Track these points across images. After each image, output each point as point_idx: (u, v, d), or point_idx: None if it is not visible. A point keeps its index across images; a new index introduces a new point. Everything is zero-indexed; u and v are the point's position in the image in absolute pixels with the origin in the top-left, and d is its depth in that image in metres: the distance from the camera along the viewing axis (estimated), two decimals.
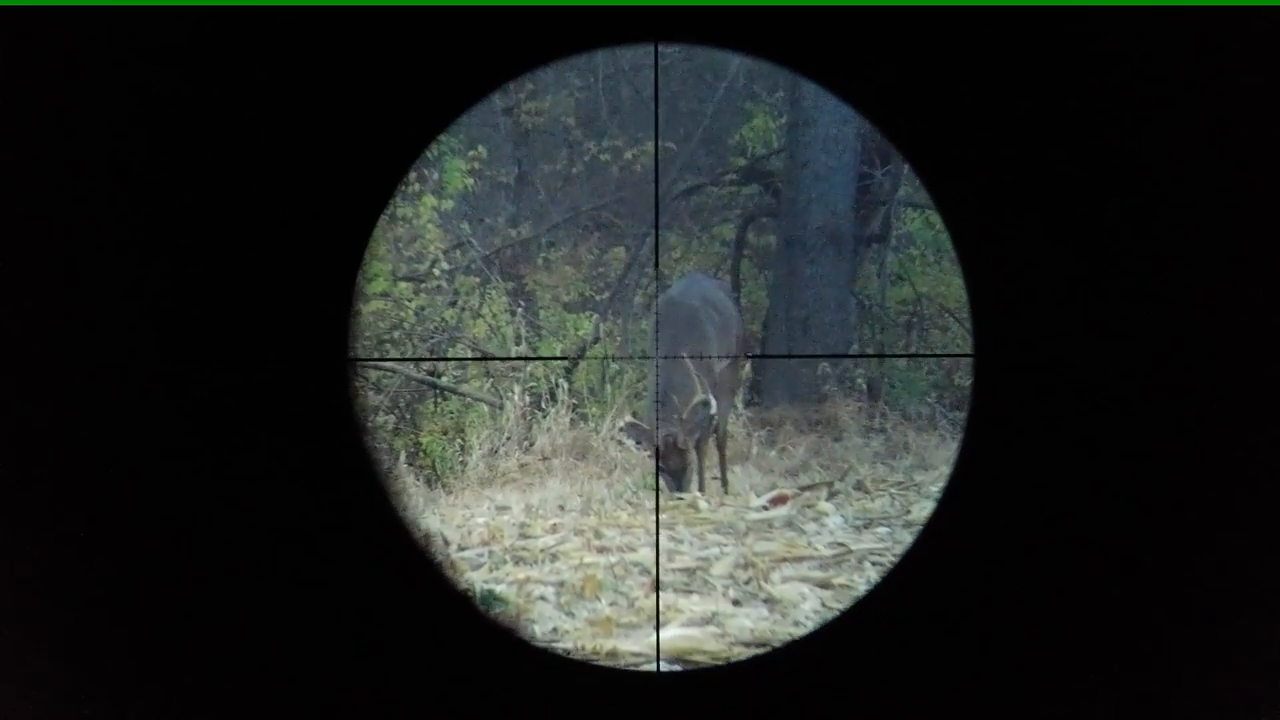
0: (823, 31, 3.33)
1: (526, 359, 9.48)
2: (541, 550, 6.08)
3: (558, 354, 9.87)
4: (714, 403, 7.64)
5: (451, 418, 9.11)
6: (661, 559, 5.80)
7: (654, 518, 6.77)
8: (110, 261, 3.18)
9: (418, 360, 9.35)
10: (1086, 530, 3.28)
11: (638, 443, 7.81)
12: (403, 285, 9.37)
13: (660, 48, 8.89)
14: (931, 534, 3.68)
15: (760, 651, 4.44)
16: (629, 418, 8.03)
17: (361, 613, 3.40)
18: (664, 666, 4.44)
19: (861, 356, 9.98)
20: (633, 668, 4.39)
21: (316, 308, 3.41)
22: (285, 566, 3.37)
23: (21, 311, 3.06)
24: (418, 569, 3.73)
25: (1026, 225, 3.31)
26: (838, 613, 4.43)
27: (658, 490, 7.32)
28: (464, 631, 3.69)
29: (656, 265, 8.64)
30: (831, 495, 7.50)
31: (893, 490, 7.63)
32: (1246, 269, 3.07)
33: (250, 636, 3.32)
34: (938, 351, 10.22)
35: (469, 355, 9.69)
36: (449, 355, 9.67)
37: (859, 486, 7.76)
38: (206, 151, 3.22)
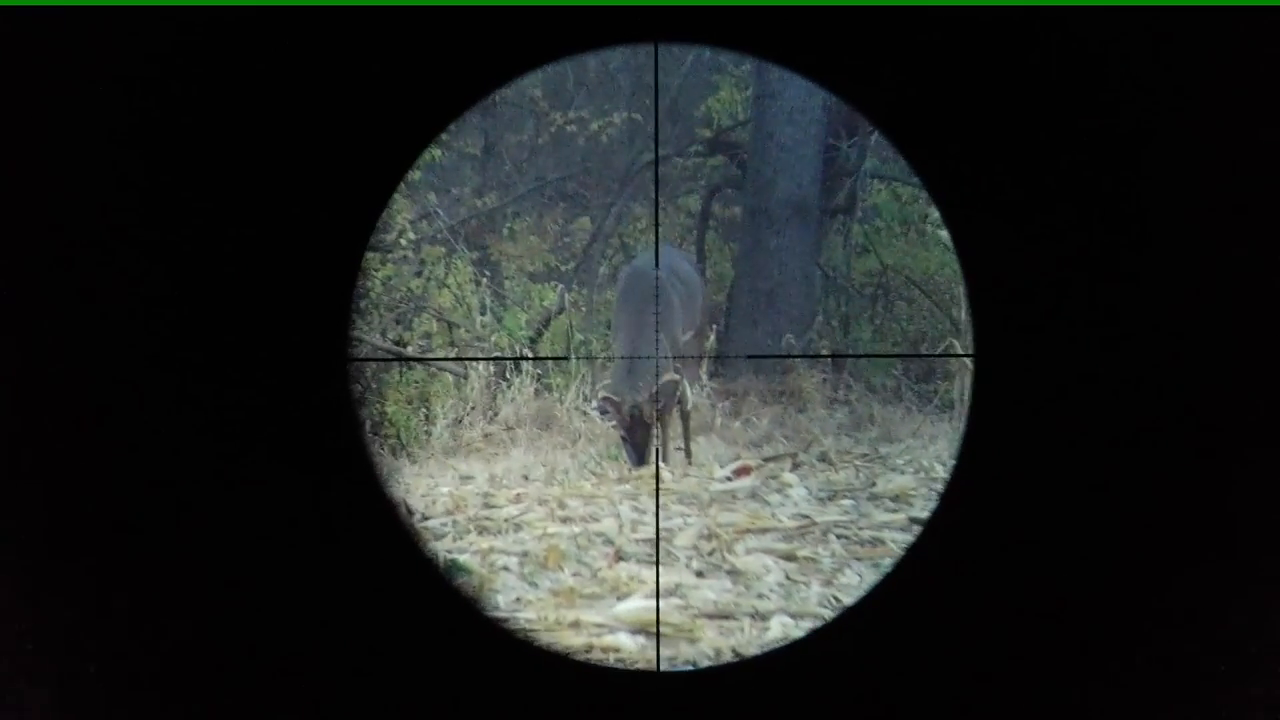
0: (825, 32, 3.33)
1: (548, 358, 9.47)
2: (505, 520, 6.09)
3: (523, 324, 9.87)
4: (686, 383, 7.64)
5: (416, 387, 9.12)
6: (625, 530, 5.82)
7: (628, 488, 6.79)
8: (109, 262, 3.17)
9: (419, 360, 9.34)
10: (1087, 530, 3.30)
11: (603, 413, 7.80)
12: (369, 256, 9.34)
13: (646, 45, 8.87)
14: (932, 533, 3.69)
15: (759, 651, 4.45)
16: (603, 393, 8.01)
17: (362, 615, 3.41)
18: (626, 638, 4.46)
19: (859, 356, 9.99)
20: (632, 667, 4.40)
21: (316, 307, 3.41)
22: (284, 566, 3.37)
23: (19, 310, 3.05)
24: (418, 569, 3.74)
25: (1028, 225, 3.32)
26: (837, 612, 4.45)
27: (657, 463, 7.33)
28: (465, 632, 3.69)
29: (657, 246, 8.64)
30: (795, 467, 7.52)
31: (857, 462, 7.65)
32: (1249, 266, 3.09)
33: (248, 636, 3.32)
34: (907, 331, 10.24)
35: (479, 355, 9.67)
36: (460, 355, 9.67)
37: (823, 458, 7.77)
38: (205, 153, 3.21)
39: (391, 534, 3.64)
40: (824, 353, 9.75)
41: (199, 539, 3.28)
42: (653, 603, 4.73)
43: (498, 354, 9.32)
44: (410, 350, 9.39)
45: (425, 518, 6.26)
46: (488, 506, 6.47)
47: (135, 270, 3.19)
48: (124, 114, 3.12)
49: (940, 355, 9.78)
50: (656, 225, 7.71)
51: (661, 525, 5.87)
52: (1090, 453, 3.30)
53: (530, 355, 9.33)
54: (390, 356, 9.07)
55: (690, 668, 4.34)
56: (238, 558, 3.31)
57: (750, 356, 9.72)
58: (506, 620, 4.69)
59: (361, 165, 3.40)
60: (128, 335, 3.21)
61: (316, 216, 3.35)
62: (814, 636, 4.16)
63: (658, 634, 4.55)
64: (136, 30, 3.02)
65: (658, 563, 5.33)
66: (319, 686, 3.37)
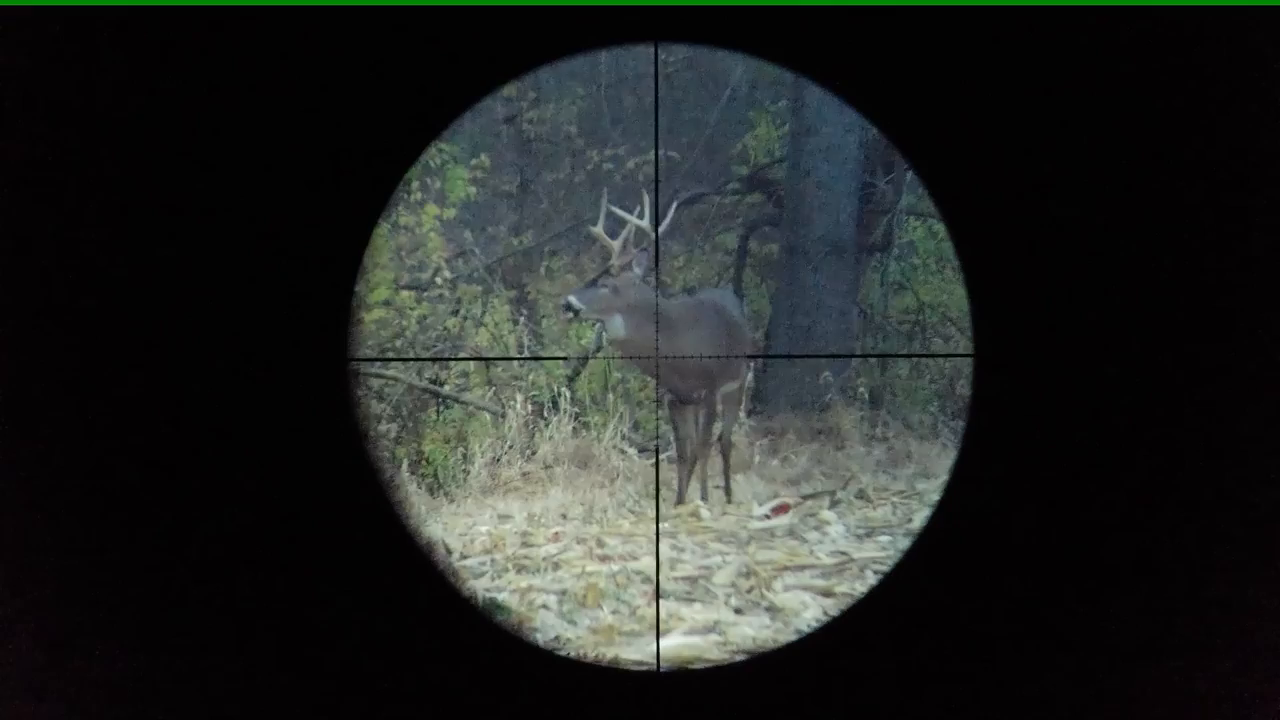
0: (824, 32, 3.33)
1: (577, 359, 9.47)
2: (544, 559, 6.08)
3: (560, 364, 9.85)
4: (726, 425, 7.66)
5: (454, 426, 9.10)
6: (663, 568, 5.80)
7: (667, 526, 6.77)
8: (111, 264, 3.18)
9: (417, 360, 9.34)
10: (1084, 534, 3.28)
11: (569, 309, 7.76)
12: (405, 294, 9.36)
13: (662, 55, 8.87)
14: (931, 535, 3.68)
15: (760, 652, 4.44)
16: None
17: (362, 613, 3.40)
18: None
19: (857, 356, 9.96)
20: (634, 668, 4.39)
21: (317, 311, 3.41)
22: (285, 567, 3.37)
23: (22, 312, 3.06)
24: (418, 570, 3.73)
25: (1027, 227, 3.31)
26: (839, 613, 4.43)
27: (658, 504, 7.30)
28: (464, 632, 3.69)
29: (657, 264, 8.63)
30: (834, 504, 7.51)
31: (895, 499, 7.64)
32: (1248, 272, 3.08)
33: (249, 635, 3.32)
34: (944, 367, 10.20)
35: (465, 357, 9.68)
36: (444, 357, 9.67)
37: (861, 495, 7.76)
38: (207, 155, 3.22)
39: (390, 530, 3.65)
40: (859, 380, 9.73)
41: (197, 538, 3.28)
42: (694, 639, 4.72)
43: (525, 385, 9.31)
44: (447, 389, 9.39)
45: (464, 556, 6.25)
46: (526, 545, 6.47)
47: (135, 271, 3.20)
48: (123, 115, 3.13)
49: (939, 355, 9.76)
50: (656, 224, 7.69)
51: (700, 563, 5.87)
52: (1090, 453, 3.29)
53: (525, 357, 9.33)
54: (383, 359, 9.07)
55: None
56: (236, 554, 3.31)
57: (810, 356, 9.72)
58: (505, 622, 4.69)
59: (363, 164, 3.41)
60: (127, 335, 3.22)
61: (317, 216, 3.36)
62: (813, 637, 4.15)
63: (658, 633, 4.55)
64: (137, 33, 3.04)
65: (658, 576, 5.32)
66: (311, 680, 3.36)
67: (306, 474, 3.46)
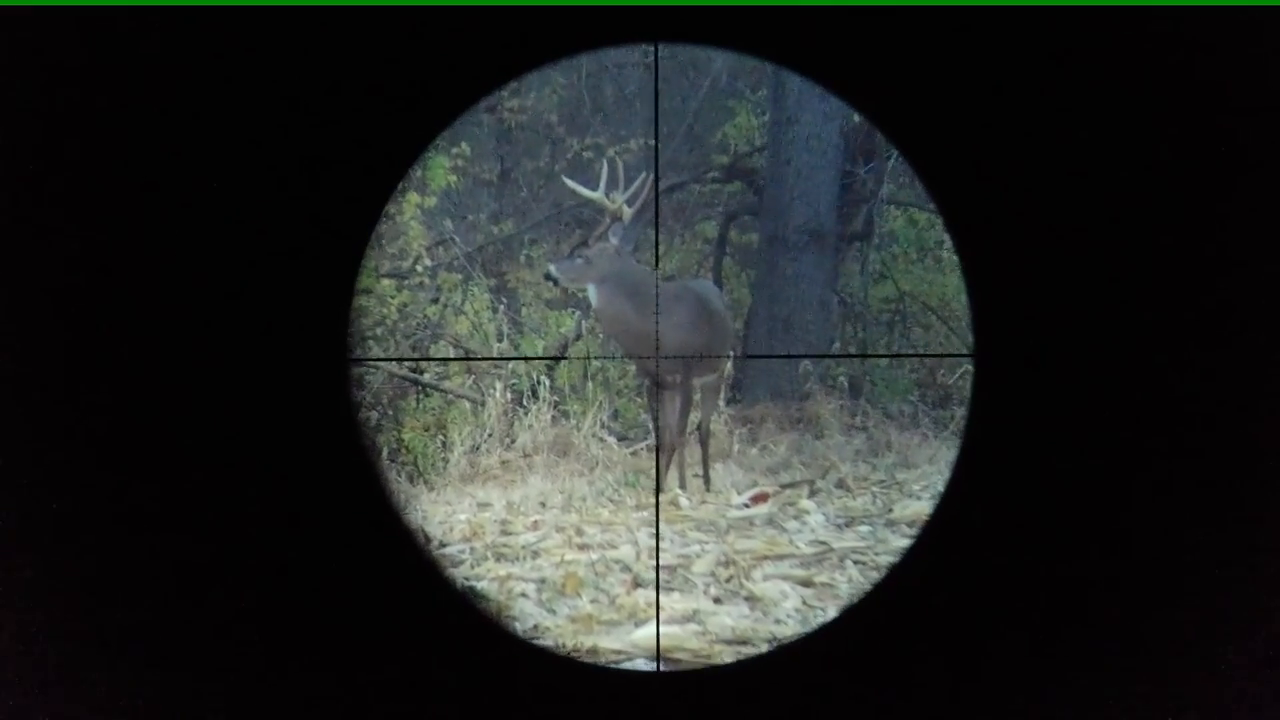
0: (823, 31, 3.33)
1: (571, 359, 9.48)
2: (523, 547, 6.09)
3: (540, 352, 9.85)
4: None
5: (433, 414, 9.10)
6: (643, 557, 5.80)
7: (646, 515, 6.77)
8: (111, 262, 3.18)
9: (419, 360, 9.33)
10: (1084, 533, 3.29)
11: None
12: (386, 282, 9.34)
13: (646, 45, 8.86)
14: (930, 533, 3.69)
15: (760, 652, 4.44)
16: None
17: (360, 611, 3.40)
18: (644, 664, 4.44)
19: (852, 357, 9.95)
20: (632, 668, 4.39)
21: (316, 307, 3.41)
22: (282, 564, 3.37)
23: (22, 310, 3.05)
24: (416, 567, 3.73)
25: (1026, 224, 3.31)
26: (837, 613, 4.44)
27: (658, 490, 7.30)
28: (463, 630, 3.69)
29: (656, 260, 8.63)
30: (813, 493, 7.51)
31: (874, 488, 7.64)
32: (1250, 270, 3.08)
33: (248, 633, 3.32)
34: (921, 350, 10.20)
35: (455, 355, 9.68)
36: (436, 355, 9.66)
37: (840, 484, 7.77)
38: (207, 153, 3.22)
39: (389, 530, 3.64)
40: (839, 369, 9.72)
41: (197, 537, 3.27)
42: (672, 629, 4.72)
43: (505, 374, 9.30)
44: (427, 377, 9.38)
45: (443, 545, 6.25)
46: (505, 533, 6.47)
47: (136, 271, 3.19)
48: (123, 115, 3.12)
49: (940, 355, 9.76)
50: (656, 222, 7.73)
51: (679, 552, 5.87)
52: (1090, 452, 3.29)
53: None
54: (384, 358, 9.06)
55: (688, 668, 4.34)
56: (236, 554, 3.30)
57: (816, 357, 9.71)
58: (506, 622, 4.69)
59: (363, 164, 3.41)
60: (127, 335, 3.21)
61: (317, 216, 3.35)
62: (813, 636, 4.15)
63: (657, 632, 4.55)
64: (138, 33, 3.03)
65: (657, 568, 5.32)
66: (311, 679, 3.36)
67: (305, 471, 3.46)
